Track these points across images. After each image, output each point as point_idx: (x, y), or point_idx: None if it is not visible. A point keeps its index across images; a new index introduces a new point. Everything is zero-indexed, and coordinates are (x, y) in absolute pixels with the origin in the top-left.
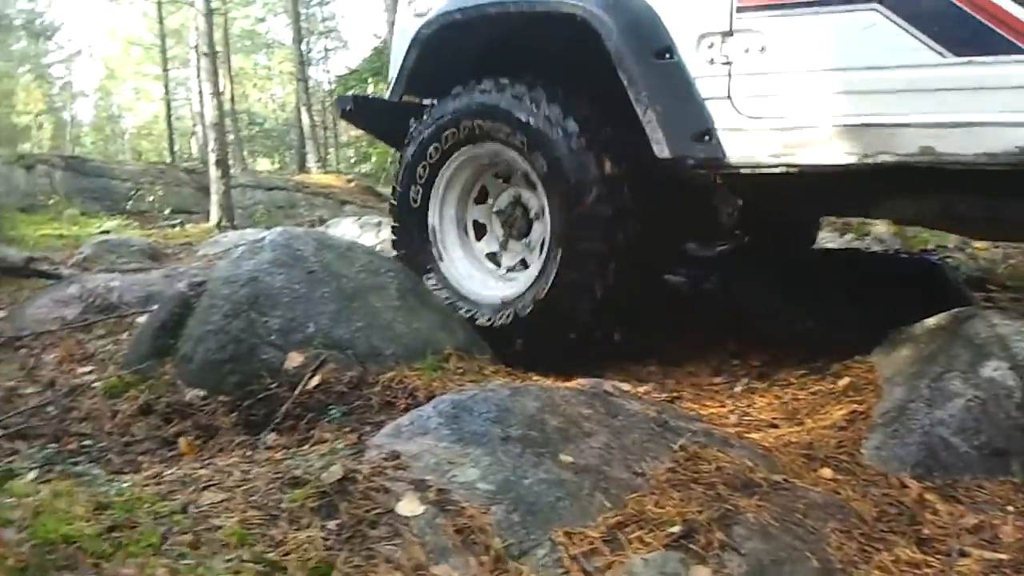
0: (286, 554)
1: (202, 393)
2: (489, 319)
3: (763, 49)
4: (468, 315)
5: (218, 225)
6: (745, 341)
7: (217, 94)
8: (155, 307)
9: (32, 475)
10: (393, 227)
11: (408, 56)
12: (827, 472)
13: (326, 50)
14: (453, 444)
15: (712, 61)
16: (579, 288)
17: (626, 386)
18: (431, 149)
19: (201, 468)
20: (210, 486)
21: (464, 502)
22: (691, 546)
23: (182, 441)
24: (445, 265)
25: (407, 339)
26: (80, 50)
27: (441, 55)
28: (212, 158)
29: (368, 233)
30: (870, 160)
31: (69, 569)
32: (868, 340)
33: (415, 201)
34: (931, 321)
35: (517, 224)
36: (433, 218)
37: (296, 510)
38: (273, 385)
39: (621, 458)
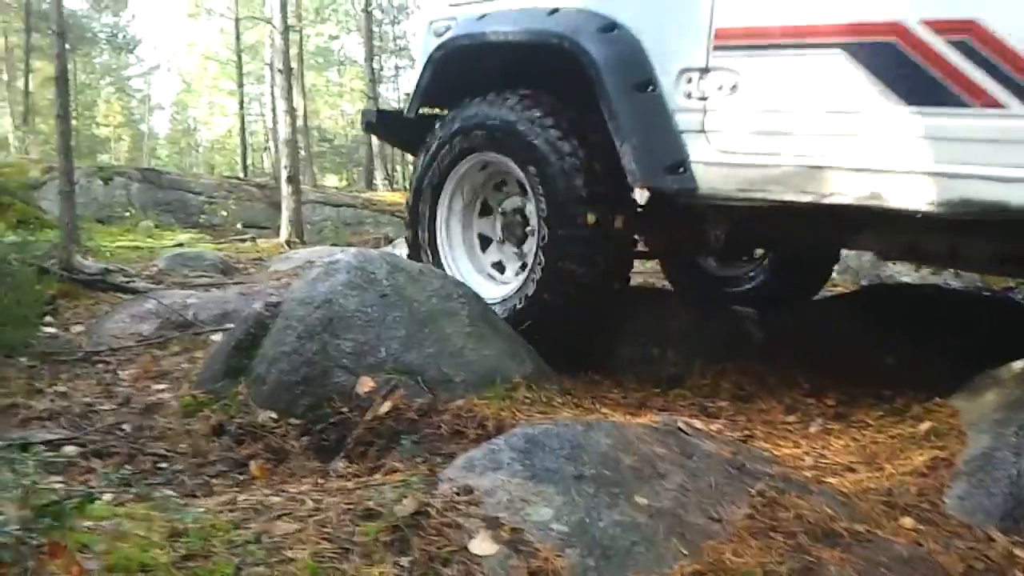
0: None
1: (274, 415)
2: None
3: (735, 87)
4: None
5: (288, 241)
6: (819, 379)
7: (291, 111)
8: (230, 326)
9: (108, 496)
10: (406, 238)
11: (423, 74)
12: (909, 522)
13: (396, 68)
14: (526, 480)
15: (690, 96)
16: (557, 294)
17: (698, 423)
18: (439, 157)
19: (274, 495)
20: (283, 515)
21: (538, 543)
22: None
23: (253, 464)
24: (451, 274)
25: (477, 366)
26: (159, 64)
27: (452, 74)
28: (284, 174)
29: None
30: (825, 200)
31: None
32: (950, 382)
33: (424, 212)
34: (1018, 364)
35: (516, 232)
36: (441, 228)
37: (369, 544)
38: (344, 409)
39: (697, 502)
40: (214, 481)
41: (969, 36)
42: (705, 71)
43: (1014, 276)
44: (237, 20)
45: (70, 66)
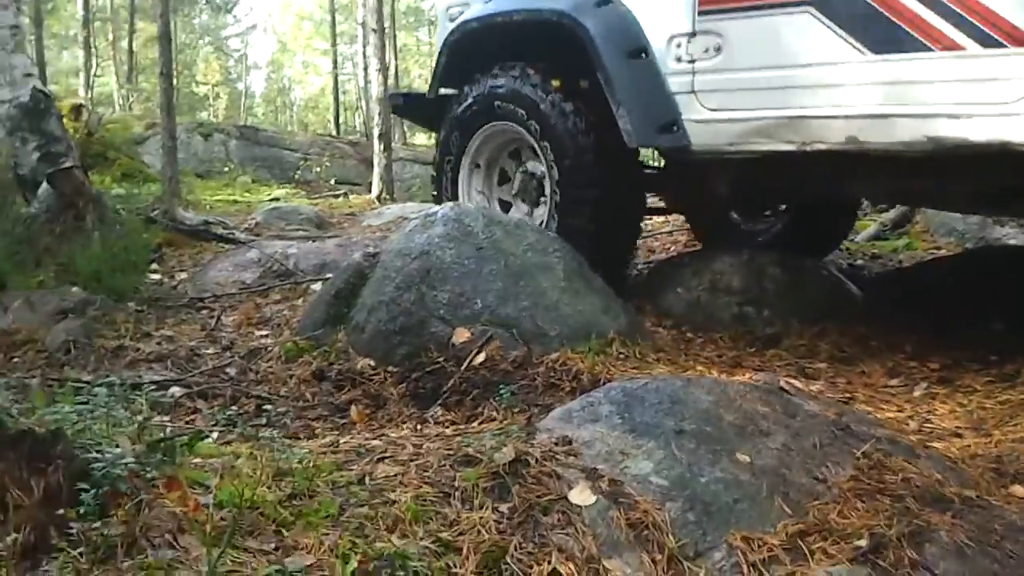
0: (460, 534)
1: (372, 363)
2: None
3: (719, 49)
4: None
5: (379, 197)
6: (922, 342)
7: (383, 69)
8: (330, 275)
9: (214, 435)
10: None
11: (440, 58)
12: (1019, 489)
13: None
14: (625, 434)
15: (679, 59)
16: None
17: (799, 384)
18: (457, 131)
19: (374, 439)
20: (384, 458)
21: (637, 496)
22: (879, 562)
23: (353, 409)
24: None
25: (571, 321)
26: (255, 24)
27: (466, 56)
28: (376, 132)
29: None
30: (808, 147)
31: (253, 536)
32: None
33: (448, 178)
34: None
35: (531, 193)
36: (463, 193)
37: (469, 489)
38: (440, 359)
39: (801, 461)
40: (315, 424)
41: None
42: (692, 35)
43: (1001, 214)
44: None
45: (172, 25)
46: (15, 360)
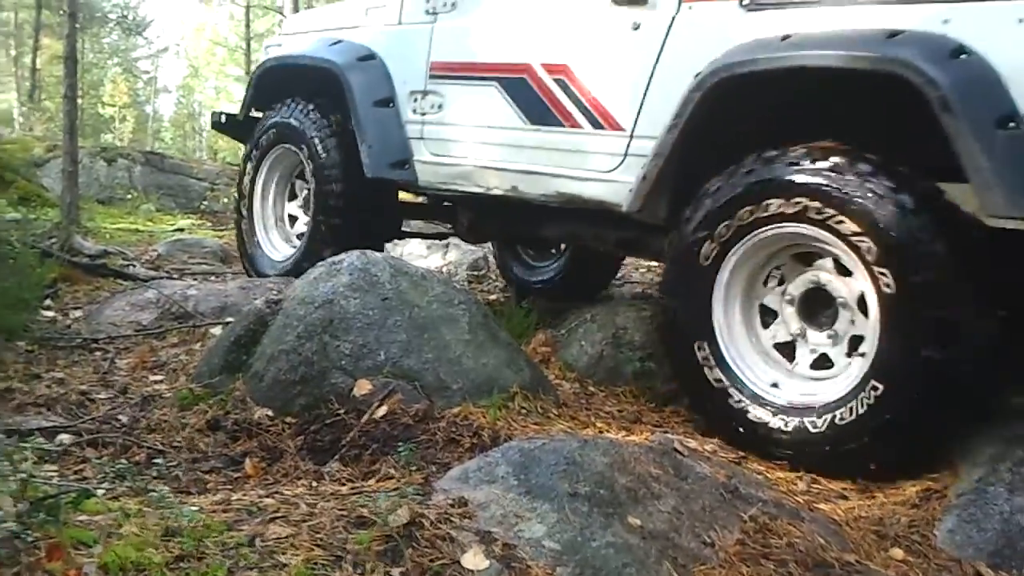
0: None
1: (270, 413)
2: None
3: (441, 106)
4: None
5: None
6: None
7: None
8: (230, 319)
9: (103, 489)
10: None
11: (249, 86)
12: (899, 553)
13: None
14: (520, 496)
15: (415, 111)
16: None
17: (694, 443)
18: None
19: (267, 496)
20: (276, 518)
21: (530, 560)
22: None
23: (248, 462)
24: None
25: (474, 375)
26: (167, 47)
27: (268, 87)
28: None
29: (435, 255)
30: (489, 192)
31: None
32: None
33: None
34: (1018, 399)
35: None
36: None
37: (362, 552)
38: (340, 411)
39: (690, 525)
40: (208, 477)
41: (564, 76)
42: (424, 93)
43: (640, 257)
44: (248, 7)
45: (79, 45)
46: None
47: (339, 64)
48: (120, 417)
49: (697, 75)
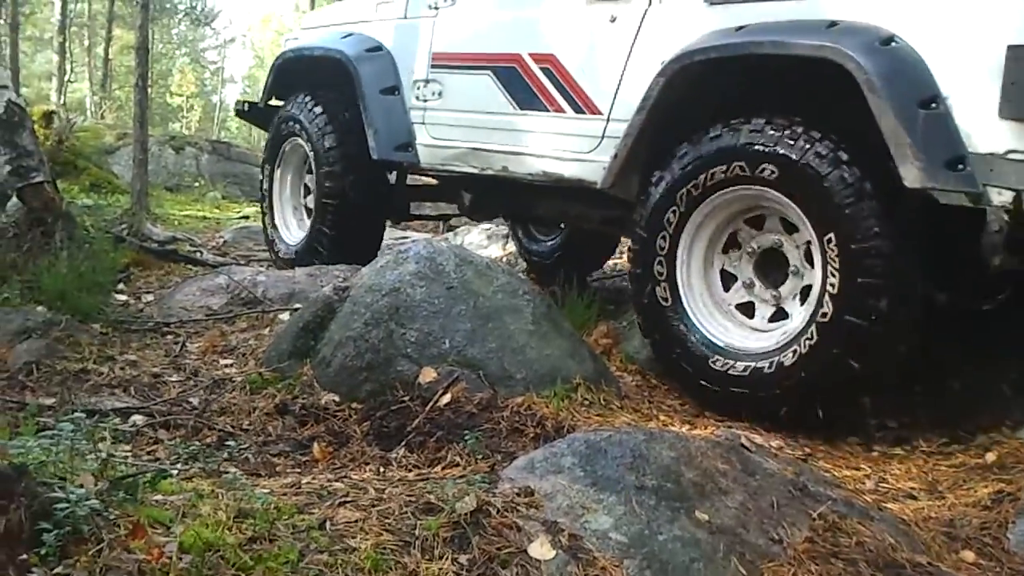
0: None
1: (336, 398)
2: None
3: (441, 94)
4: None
5: None
6: (881, 398)
7: None
8: (298, 306)
9: (177, 470)
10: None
11: (269, 76)
12: (970, 555)
13: None
14: (587, 487)
15: (418, 98)
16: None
17: (759, 439)
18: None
19: (336, 481)
20: (346, 502)
21: (596, 551)
22: None
23: (316, 446)
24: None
25: (537, 365)
26: (234, 38)
27: (286, 76)
28: None
29: (495, 245)
30: (484, 172)
31: None
32: (1020, 412)
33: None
34: None
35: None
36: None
37: (430, 539)
38: (405, 398)
39: (758, 521)
40: (276, 460)
41: (549, 65)
42: (426, 82)
43: (624, 235)
44: None
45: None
46: None
47: (349, 55)
48: (191, 400)
49: (662, 62)
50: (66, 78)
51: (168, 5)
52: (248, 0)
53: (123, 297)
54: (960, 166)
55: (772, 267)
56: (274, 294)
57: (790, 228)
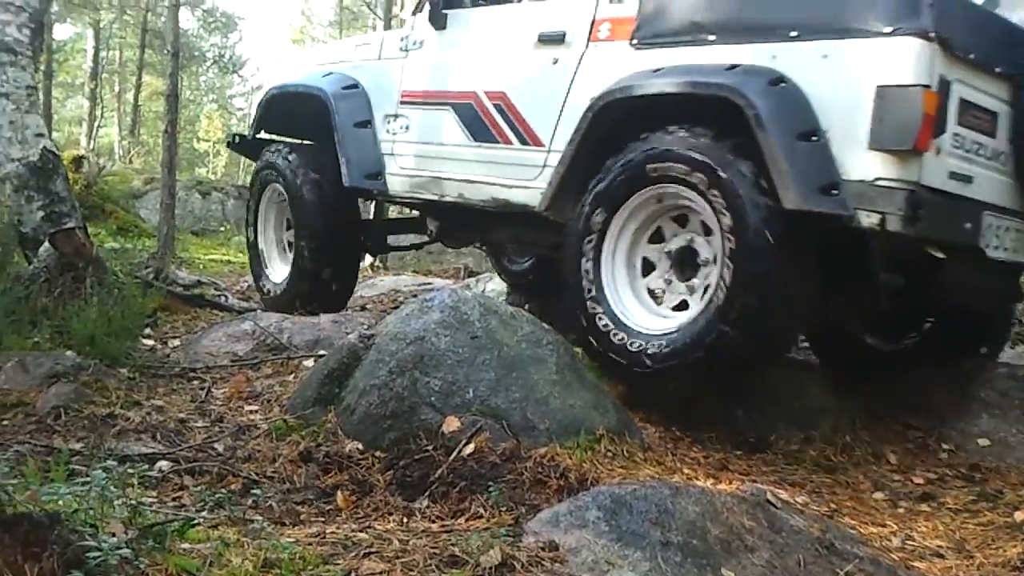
0: None
1: (360, 446)
2: None
3: (408, 128)
4: None
5: (372, 266)
6: (908, 454)
7: None
8: (323, 352)
9: (203, 517)
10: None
11: (257, 110)
12: None
13: None
14: (612, 542)
15: (388, 131)
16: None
17: (784, 494)
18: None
19: (360, 531)
20: (371, 553)
21: None
22: None
23: (340, 495)
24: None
25: (561, 415)
26: (261, 84)
27: (272, 111)
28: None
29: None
30: (444, 199)
31: None
32: None
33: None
34: None
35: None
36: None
37: None
38: (428, 447)
39: None
40: (301, 509)
41: (501, 102)
42: (395, 117)
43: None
44: None
45: (179, 85)
46: (4, 423)
47: (328, 91)
48: (216, 446)
49: (591, 98)
50: (96, 123)
51: (197, 53)
52: (275, 49)
53: (150, 342)
54: (834, 191)
55: (688, 262)
56: (299, 340)
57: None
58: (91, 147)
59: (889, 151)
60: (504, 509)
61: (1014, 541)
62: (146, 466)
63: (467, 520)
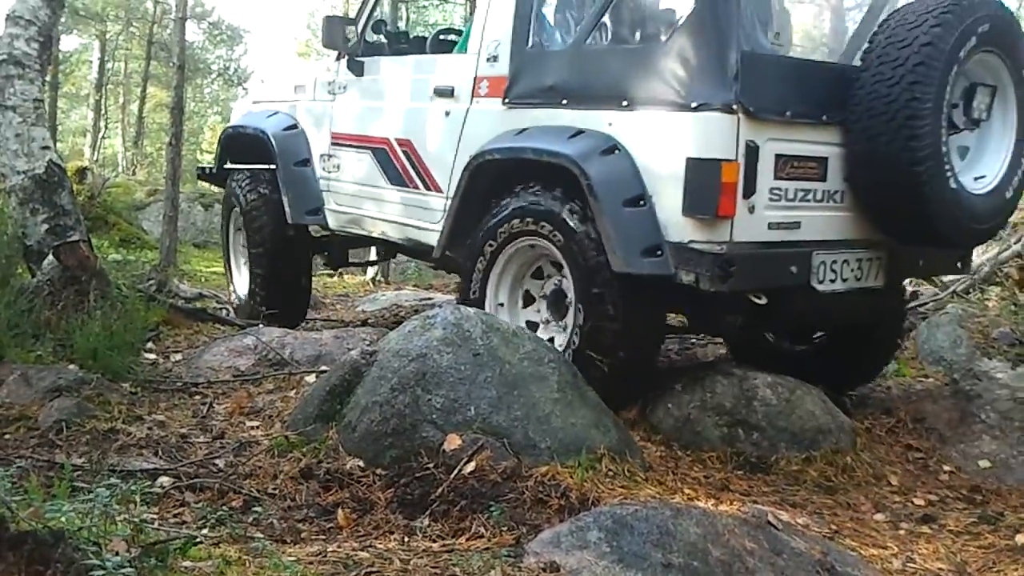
0: None
1: (361, 463)
2: None
3: (339, 167)
4: None
5: (373, 279)
6: (908, 475)
7: None
8: (324, 368)
9: (204, 531)
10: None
11: (219, 144)
12: None
13: None
14: (613, 564)
15: (324, 170)
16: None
17: (785, 516)
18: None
19: (361, 549)
20: (372, 573)
21: None
22: None
23: (340, 513)
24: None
25: (562, 434)
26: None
27: (229, 147)
28: None
29: None
30: (371, 236)
31: None
32: None
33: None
34: None
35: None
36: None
37: None
38: (429, 465)
39: None
40: (301, 526)
41: (408, 149)
42: (329, 156)
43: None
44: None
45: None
46: (7, 437)
47: (270, 133)
48: (218, 462)
49: (469, 156)
50: (100, 134)
51: (202, 66)
52: (281, 62)
53: (152, 356)
54: (658, 253)
55: (560, 302)
56: (301, 356)
57: None
58: (95, 158)
59: (696, 218)
60: (505, 529)
61: (1016, 564)
62: (148, 482)
63: (468, 539)
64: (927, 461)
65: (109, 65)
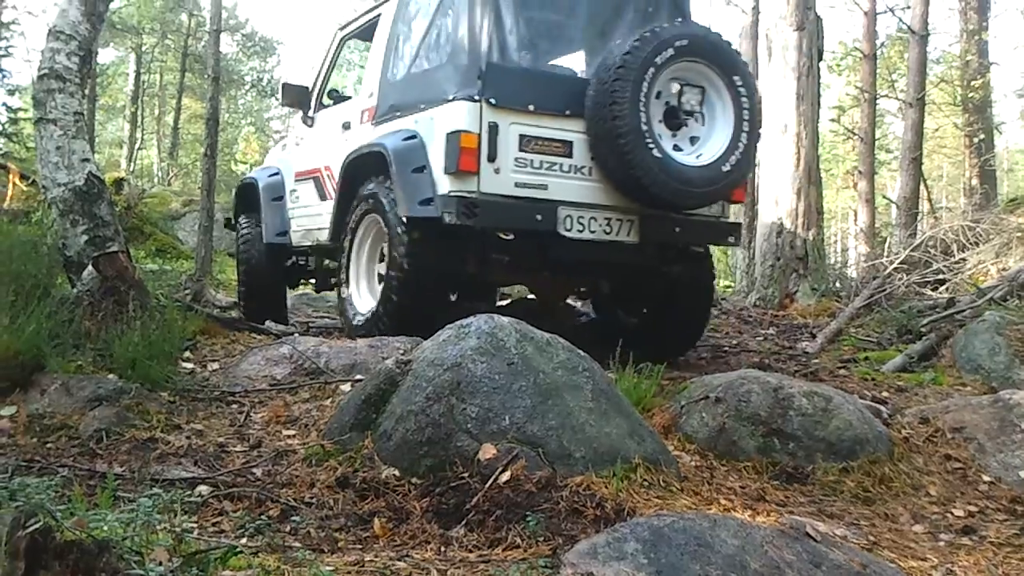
0: None
1: (396, 473)
2: None
3: (298, 197)
4: None
5: None
6: (947, 486)
7: None
8: (360, 377)
9: (243, 540)
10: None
11: (235, 197)
12: None
13: None
14: (650, 575)
15: (290, 201)
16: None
17: (823, 527)
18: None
19: (399, 559)
20: None
21: None
22: None
23: (376, 522)
24: None
25: (597, 444)
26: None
27: (245, 198)
28: None
29: None
30: (314, 244)
31: None
32: None
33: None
34: None
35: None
36: None
37: None
38: (464, 474)
39: None
40: (338, 536)
41: (328, 171)
42: (293, 190)
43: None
44: None
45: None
46: (49, 446)
47: (259, 180)
48: (255, 471)
49: (344, 157)
50: (136, 146)
51: (236, 77)
52: (313, 73)
53: (190, 365)
54: (431, 202)
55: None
56: (336, 365)
57: None
58: (131, 169)
59: (451, 174)
60: (541, 539)
61: None
62: (187, 491)
63: (504, 550)
64: (966, 471)
65: (145, 77)
